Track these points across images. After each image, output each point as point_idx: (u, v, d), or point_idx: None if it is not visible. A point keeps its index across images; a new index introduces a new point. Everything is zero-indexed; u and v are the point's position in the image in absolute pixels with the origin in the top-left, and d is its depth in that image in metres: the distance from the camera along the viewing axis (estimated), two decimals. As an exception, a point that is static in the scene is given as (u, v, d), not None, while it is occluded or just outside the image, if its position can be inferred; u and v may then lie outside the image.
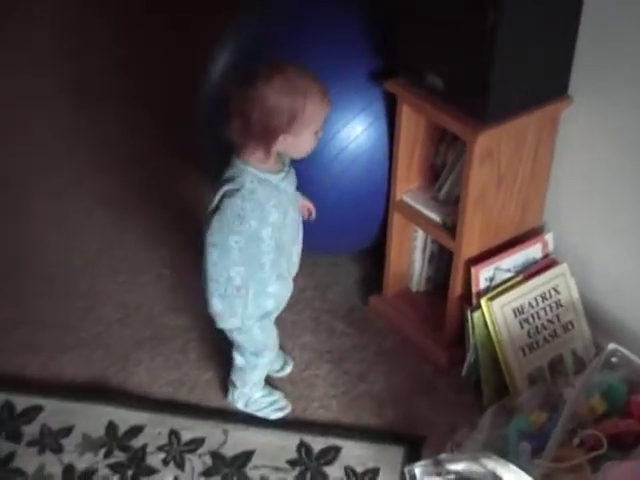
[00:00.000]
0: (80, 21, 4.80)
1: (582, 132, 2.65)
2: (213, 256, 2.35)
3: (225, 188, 2.32)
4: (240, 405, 2.71)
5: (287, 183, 2.40)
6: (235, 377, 2.69)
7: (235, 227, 2.31)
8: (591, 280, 2.79)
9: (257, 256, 2.40)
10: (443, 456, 2.38)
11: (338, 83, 2.68)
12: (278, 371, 2.83)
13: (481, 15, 2.27)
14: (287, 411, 2.72)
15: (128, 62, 4.44)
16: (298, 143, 2.32)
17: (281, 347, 2.80)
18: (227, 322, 2.48)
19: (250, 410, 2.71)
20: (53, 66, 4.42)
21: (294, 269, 2.58)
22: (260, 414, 2.71)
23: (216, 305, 2.42)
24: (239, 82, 2.27)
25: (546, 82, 2.51)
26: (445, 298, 2.81)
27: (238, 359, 2.66)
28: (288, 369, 2.84)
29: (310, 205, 2.59)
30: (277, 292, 2.54)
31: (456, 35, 2.38)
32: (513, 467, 2.18)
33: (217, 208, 2.33)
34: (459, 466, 2.29)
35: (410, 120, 2.66)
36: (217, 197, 2.33)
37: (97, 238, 3.37)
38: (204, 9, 4.44)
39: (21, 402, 2.73)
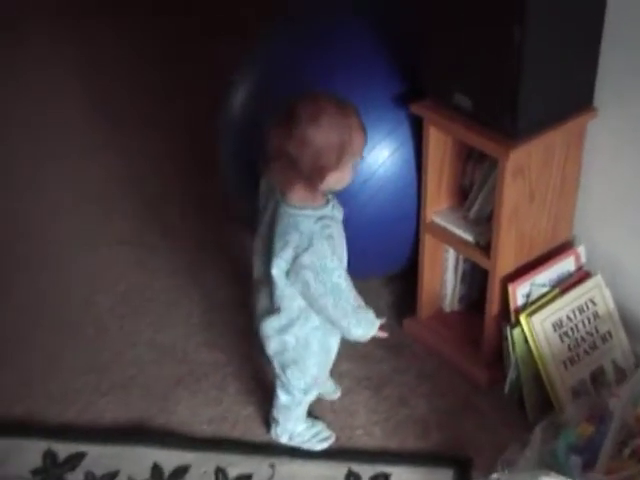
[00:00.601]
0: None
1: (608, 143, 2.65)
2: (328, 300, 2.33)
3: (293, 245, 2.28)
4: (284, 440, 2.70)
5: (336, 210, 2.39)
6: (278, 414, 2.67)
7: (335, 265, 2.30)
8: (625, 289, 2.79)
9: None
10: (497, 476, 2.38)
11: (363, 109, 2.65)
12: (331, 393, 2.82)
13: (507, 32, 2.28)
14: (331, 441, 2.71)
15: (155, 88, 4.47)
16: (342, 177, 2.29)
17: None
18: (369, 332, 2.45)
19: (294, 443, 2.69)
20: (70, 98, 4.44)
21: None
22: (305, 446, 2.69)
23: (355, 332, 2.42)
24: (280, 123, 2.22)
25: (572, 95, 2.52)
26: (480, 316, 2.80)
27: (282, 397, 2.63)
28: (339, 392, 2.84)
29: None
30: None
31: (483, 54, 2.39)
32: (572, 483, 2.17)
33: (296, 271, 2.30)
34: (516, 485, 2.28)
35: (437, 141, 2.66)
36: (289, 252, 2.29)
37: (122, 280, 3.34)
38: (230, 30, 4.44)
39: (63, 449, 2.70)
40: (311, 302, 2.36)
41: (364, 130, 2.28)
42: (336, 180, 2.28)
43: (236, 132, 2.93)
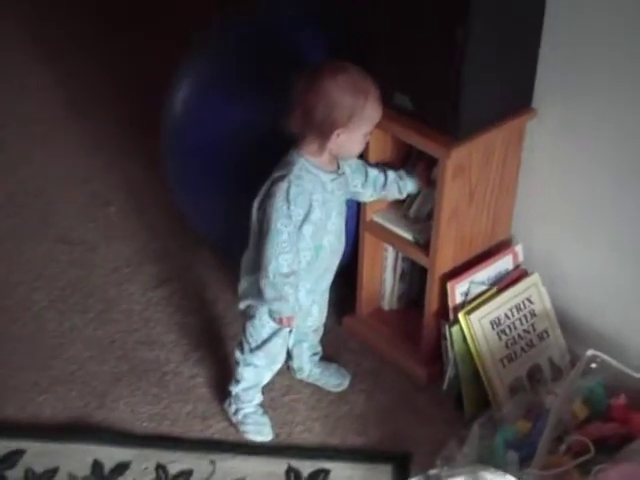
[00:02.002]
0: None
1: (546, 143, 2.70)
2: (267, 242, 2.39)
3: (275, 174, 2.40)
4: (231, 411, 2.74)
5: (336, 186, 2.47)
6: (233, 377, 2.73)
7: (284, 211, 2.37)
8: (562, 288, 2.83)
9: (297, 251, 2.45)
10: (436, 472, 2.40)
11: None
12: (336, 386, 2.86)
13: (450, 33, 2.31)
14: (267, 439, 2.73)
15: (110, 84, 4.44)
16: (350, 142, 2.40)
17: (339, 362, 2.90)
18: (279, 308, 2.49)
19: (235, 420, 2.73)
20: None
21: (324, 283, 2.65)
22: (241, 428, 2.72)
23: (268, 293, 2.45)
24: (304, 75, 2.34)
25: (511, 95, 2.56)
26: (419, 314, 2.83)
27: (236, 354, 2.70)
28: (346, 383, 2.87)
29: None
30: (302, 300, 2.56)
31: (424, 53, 2.41)
32: (511, 478, 2.20)
33: (268, 195, 2.39)
34: (455, 480, 2.31)
35: (378, 141, 2.68)
36: (267, 183, 2.40)
37: (61, 277, 3.32)
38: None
39: (1, 447, 2.68)
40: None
41: (380, 105, 2.39)
42: (345, 141, 2.39)
43: (177, 130, 2.93)
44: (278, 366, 2.74)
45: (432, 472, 2.42)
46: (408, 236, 2.74)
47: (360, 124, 2.36)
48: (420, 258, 2.72)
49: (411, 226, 2.76)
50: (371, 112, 2.37)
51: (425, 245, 2.69)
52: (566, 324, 2.84)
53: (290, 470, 2.63)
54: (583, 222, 2.73)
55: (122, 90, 4.37)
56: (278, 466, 2.64)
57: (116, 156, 3.95)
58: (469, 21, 2.27)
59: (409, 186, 2.69)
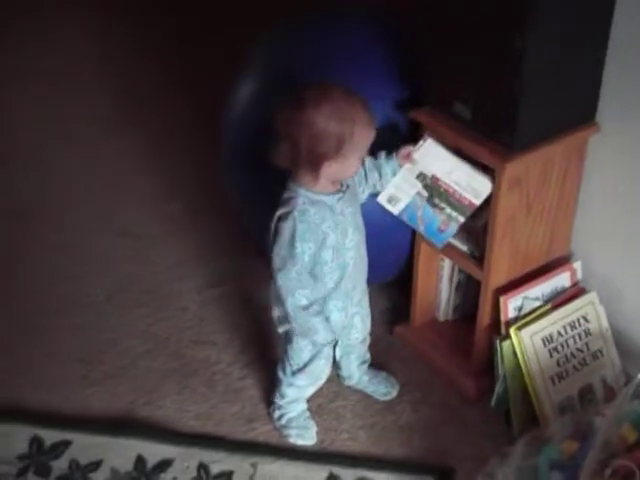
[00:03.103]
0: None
1: (610, 159, 2.64)
2: (278, 280, 2.39)
3: (278, 212, 2.36)
4: (275, 416, 2.75)
5: (344, 204, 2.42)
6: (275, 391, 2.74)
7: (289, 252, 2.34)
8: (620, 308, 2.77)
9: (321, 277, 2.43)
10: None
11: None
12: (384, 394, 2.84)
13: (509, 43, 2.27)
14: (310, 443, 2.72)
15: (170, 81, 4.49)
16: (344, 168, 2.34)
17: (388, 371, 2.89)
18: (312, 339, 2.52)
19: (279, 424, 2.73)
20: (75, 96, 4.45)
21: (356, 298, 2.61)
22: (285, 432, 2.72)
23: (295, 328, 2.49)
24: (286, 106, 2.27)
25: (573, 109, 2.50)
26: (473, 327, 2.79)
27: (279, 373, 2.70)
28: (394, 392, 2.85)
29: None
30: (337, 320, 2.56)
31: (484, 64, 2.38)
32: (549, 498, 2.16)
33: (275, 233, 2.36)
34: (495, 498, 2.27)
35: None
36: (273, 222, 2.36)
37: (120, 271, 3.35)
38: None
39: (49, 437, 2.71)
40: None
41: (371, 125, 2.31)
42: (338, 169, 2.32)
43: (238, 130, 2.92)
44: (321, 382, 2.73)
45: (476, 489, 2.40)
46: (463, 247, 2.70)
47: (351, 150, 2.28)
48: (474, 271, 2.68)
49: (467, 237, 2.72)
50: (360, 137, 2.29)
51: (480, 257, 2.65)
52: (622, 345, 2.77)
53: (331, 477, 2.61)
54: (644, 241, 2.66)
55: (188, 87, 4.41)
56: (319, 472, 2.62)
57: (184, 152, 3.97)
58: (527, 30, 2.22)
59: (387, 167, 2.58)
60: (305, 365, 2.64)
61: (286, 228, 2.33)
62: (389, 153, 2.58)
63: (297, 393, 2.72)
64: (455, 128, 2.53)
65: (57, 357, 2.99)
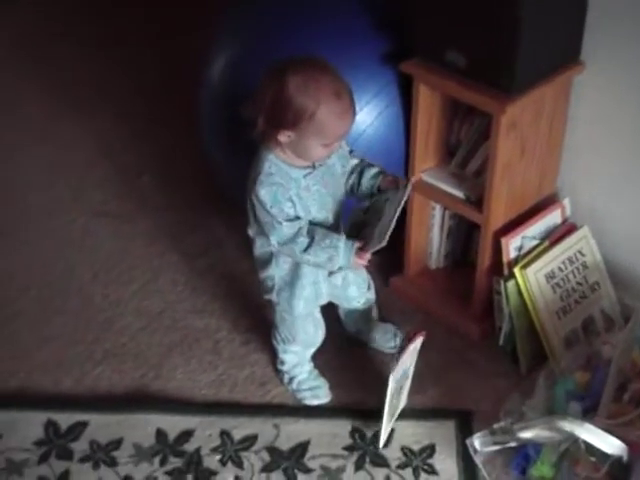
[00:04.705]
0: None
1: (593, 97, 2.71)
2: (274, 244, 2.40)
3: (251, 175, 2.36)
4: (285, 381, 2.77)
5: (311, 180, 2.38)
6: (277, 358, 2.78)
7: (270, 215, 2.34)
8: (609, 240, 2.85)
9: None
10: (505, 425, 2.43)
11: (351, 68, 2.68)
12: (392, 348, 2.86)
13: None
14: (324, 401, 2.75)
15: (125, 60, 4.42)
16: (302, 147, 2.29)
17: (388, 320, 2.92)
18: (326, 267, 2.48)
19: (291, 389, 2.76)
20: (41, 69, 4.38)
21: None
22: (298, 395, 2.75)
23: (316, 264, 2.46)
24: (277, 63, 2.26)
25: (561, 49, 2.55)
26: (466, 272, 2.86)
27: (273, 341, 2.75)
28: (398, 340, 2.87)
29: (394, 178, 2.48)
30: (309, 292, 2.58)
31: (477, 11, 2.41)
32: (589, 426, 2.23)
33: (252, 199, 2.36)
34: (531, 432, 2.33)
35: (426, 100, 2.69)
36: (249, 188, 2.37)
37: (101, 250, 3.33)
38: None
39: (64, 420, 2.69)
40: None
41: (340, 117, 2.24)
42: (295, 145, 2.29)
43: (217, 95, 2.92)
44: (317, 344, 2.75)
45: (497, 426, 2.46)
46: (459, 194, 2.75)
47: (310, 131, 2.23)
48: (472, 215, 2.73)
49: (460, 184, 2.77)
50: (323, 122, 2.22)
51: (477, 202, 2.70)
52: (615, 275, 2.86)
53: (355, 430, 2.65)
54: (630, 175, 2.74)
55: (146, 59, 4.39)
56: (342, 427, 2.66)
57: (143, 125, 3.95)
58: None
59: (367, 182, 2.49)
60: (293, 334, 2.67)
61: (260, 195, 2.32)
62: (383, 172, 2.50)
63: (295, 358, 2.75)
64: (449, 77, 2.56)
65: (57, 340, 2.97)
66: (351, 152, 2.50)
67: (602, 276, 2.83)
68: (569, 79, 2.65)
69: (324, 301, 2.66)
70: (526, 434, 2.34)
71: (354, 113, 2.28)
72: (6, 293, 3.16)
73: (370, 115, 2.74)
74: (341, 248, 2.38)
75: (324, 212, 2.45)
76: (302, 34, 2.74)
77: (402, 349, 2.50)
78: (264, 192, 2.33)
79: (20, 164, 3.79)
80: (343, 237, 2.40)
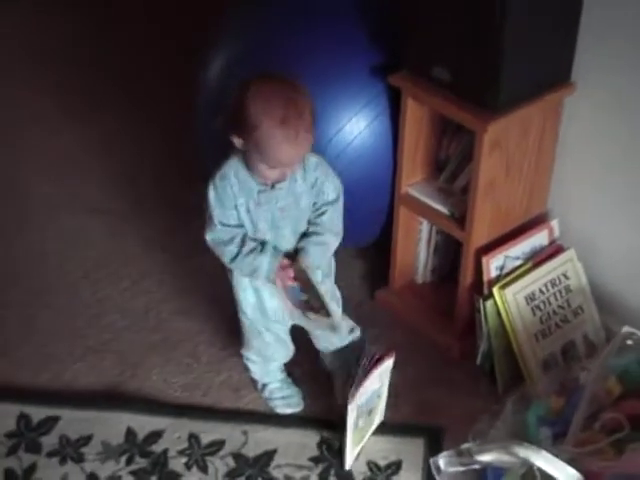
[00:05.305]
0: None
1: (585, 118, 2.68)
2: (207, 238, 2.43)
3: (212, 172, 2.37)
4: (258, 388, 2.77)
5: (264, 199, 2.35)
6: None
7: (208, 212, 2.38)
8: (597, 265, 2.81)
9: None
10: (469, 446, 2.39)
11: (342, 79, 2.70)
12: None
13: (490, 6, 2.29)
14: (297, 409, 2.74)
15: (126, 67, 4.44)
16: (250, 160, 2.28)
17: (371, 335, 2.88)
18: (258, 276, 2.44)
19: (263, 397, 2.75)
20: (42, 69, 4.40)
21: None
22: (270, 403, 2.74)
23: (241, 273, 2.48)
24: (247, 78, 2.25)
25: (550, 69, 2.53)
26: (451, 288, 2.83)
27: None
28: (358, 332, 2.79)
29: (284, 270, 2.41)
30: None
31: (463, 27, 2.39)
32: (546, 453, 2.19)
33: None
34: (489, 456, 2.30)
35: (414, 113, 2.68)
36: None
37: (94, 247, 3.35)
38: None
39: (36, 413, 2.71)
40: None
41: (280, 144, 2.19)
42: (247, 157, 2.28)
43: (212, 100, 2.92)
44: (279, 361, 2.74)
45: (464, 446, 2.42)
46: (443, 209, 2.73)
47: (252, 147, 2.22)
48: (455, 232, 2.71)
49: (446, 199, 2.75)
50: (261, 144, 2.19)
51: (460, 219, 2.68)
52: (601, 300, 2.82)
53: (322, 442, 2.64)
54: (621, 199, 2.70)
55: (147, 60, 4.43)
56: (310, 438, 2.65)
57: (142, 126, 3.98)
58: (508, -7, 2.24)
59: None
60: (248, 338, 2.66)
61: (208, 192, 2.35)
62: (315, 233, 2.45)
63: (258, 369, 2.74)
64: (435, 92, 2.55)
65: (41, 334, 2.99)
66: (332, 202, 2.44)
67: (587, 300, 2.79)
68: (559, 99, 2.62)
69: (282, 320, 2.61)
70: (484, 457, 2.31)
71: (303, 144, 2.22)
72: (3, 286, 3.18)
73: (358, 126, 2.72)
74: (263, 269, 2.39)
75: (274, 234, 2.41)
76: (295, 43, 2.73)
77: (365, 374, 2.45)
78: (212, 192, 2.34)
79: (21, 159, 3.84)
80: (268, 255, 2.38)
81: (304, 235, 2.43)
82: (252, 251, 2.38)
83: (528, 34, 2.37)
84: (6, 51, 4.60)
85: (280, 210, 2.37)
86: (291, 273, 2.38)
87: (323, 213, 2.42)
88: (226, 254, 2.40)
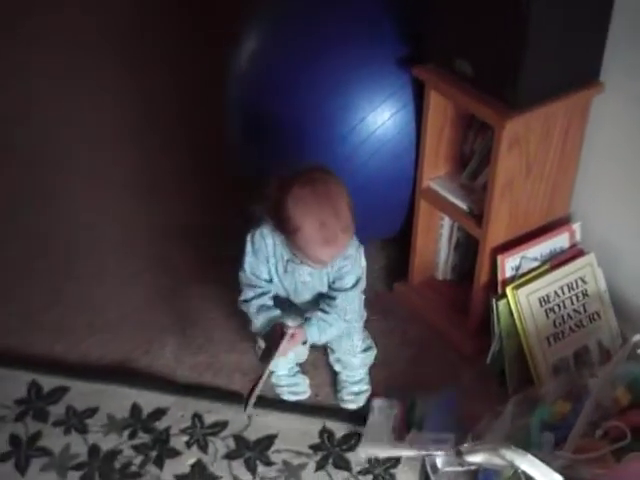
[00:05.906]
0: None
1: (613, 119, 2.62)
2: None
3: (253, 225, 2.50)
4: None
5: (291, 267, 2.50)
6: None
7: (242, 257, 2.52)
8: (619, 271, 2.76)
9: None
10: (463, 447, 2.38)
11: (366, 69, 2.69)
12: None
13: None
14: (303, 397, 2.75)
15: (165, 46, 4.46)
16: (294, 249, 2.40)
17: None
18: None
19: (271, 383, 2.74)
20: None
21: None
22: (277, 390, 2.74)
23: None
24: (282, 176, 2.35)
25: (577, 68, 2.48)
26: (471, 286, 2.79)
27: None
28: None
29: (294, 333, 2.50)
30: None
31: (487, 20, 2.36)
32: (531, 458, 2.16)
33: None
34: (478, 457, 2.28)
35: (438, 106, 2.65)
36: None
37: (126, 222, 3.39)
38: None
39: (48, 383, 2.75)
40: None
41: (321, 245, 2.31)
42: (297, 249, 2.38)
43: (241, 90, 2.94)
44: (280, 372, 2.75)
45: (462, 447, 2.40)
46: (462, 205, 2.70)
47: (293, 244, 2.35)
48: (472, 229, 2.68)
49: (467, 196, 2.72)
50: (303, 244, 2.33)
51: (479, 216, 2.65)
52: (620, 308, 2.77)
53: (324, 431, 2.63)
54: (645, 205, 2.65)
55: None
56: (313, 425, 2.64)
57: (173, 114, 4.01)
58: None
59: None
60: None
61: (248, 236, 2.48)
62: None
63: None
64: (457, 85, 2.52)
65: (63, 305, 3.03)
66: (347, 290, 2.54)
67: (604, 306, 2.74)
68: (586, 99, 2.57)
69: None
70: (473, 458, 2.29)
71: (341, 244, 2.35)
72: (26, 251, 3.24)
73: (382, 117, 2.71)
74: (258, 327, 2.56)
75: (295, 296, 2.59)
76: (322, 34, 2.74)
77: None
78: (249, 243, 2.49)
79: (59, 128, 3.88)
80: (267, 320, 2.53)
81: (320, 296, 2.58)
82: (260, 308, 2.52)
83: (554, 29, 2.32)
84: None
85: (302, 283, 2.52)
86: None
87: (336, 297, 2.53)
88: (242, 293, 2.55)
